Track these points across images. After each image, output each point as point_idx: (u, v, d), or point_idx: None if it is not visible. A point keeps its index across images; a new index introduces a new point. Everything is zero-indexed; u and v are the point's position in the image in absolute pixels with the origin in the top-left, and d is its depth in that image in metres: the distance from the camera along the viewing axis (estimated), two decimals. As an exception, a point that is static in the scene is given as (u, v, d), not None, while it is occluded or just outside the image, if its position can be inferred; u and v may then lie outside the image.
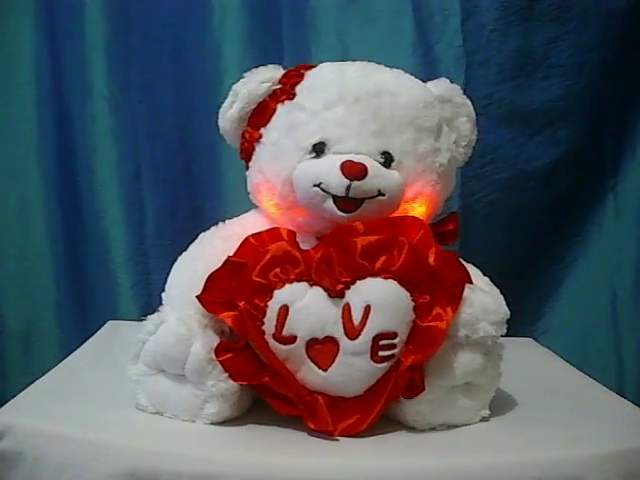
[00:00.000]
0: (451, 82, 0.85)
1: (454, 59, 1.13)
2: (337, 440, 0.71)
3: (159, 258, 1.21)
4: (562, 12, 1.12)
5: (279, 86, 0.82)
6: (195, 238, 0.85)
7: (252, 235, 0.76)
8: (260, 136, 0.82)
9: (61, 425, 0.71)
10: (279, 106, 0.81)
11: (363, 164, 0.74)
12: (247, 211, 0.89)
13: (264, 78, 0.82)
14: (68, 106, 1.23)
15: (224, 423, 0.74)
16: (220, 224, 0.86)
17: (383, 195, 0.75)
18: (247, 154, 0.84)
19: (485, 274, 0.82)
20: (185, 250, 0.84)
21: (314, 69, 0.83)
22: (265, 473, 0.66)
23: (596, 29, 1.12)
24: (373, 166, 0.75)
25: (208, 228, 0.86)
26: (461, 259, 0.77)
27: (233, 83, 1.17)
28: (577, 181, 1.18)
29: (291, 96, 0.81)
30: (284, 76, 0.82)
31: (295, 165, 0.77)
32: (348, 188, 0.73)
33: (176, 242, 1.17)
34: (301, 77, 0.82)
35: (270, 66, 0.84)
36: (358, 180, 0.73)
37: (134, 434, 0.71)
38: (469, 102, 0.85)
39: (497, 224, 1.18)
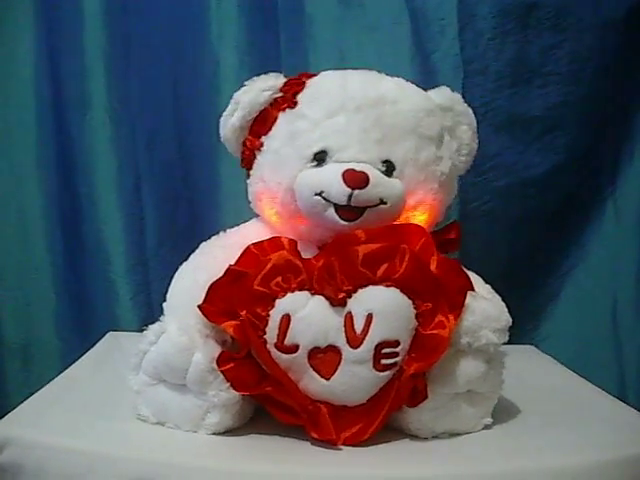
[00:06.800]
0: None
1: (452, 68, 1.14)
2: (340, 449, 0.71)
3: (159, 268, 1.20)
4: (559, 20, 1.12)
5: (280, 94, 0.82)
6: (195, 248, 0.85)
7: (253, 244, 0.76)
8: (261, 144, 0.82)
9: (62, 437, 0.71)
10: (280, 114, 0.81)
11: (365, 173, 0.74)
12: (246, 220, 0.90)
13: (265, 86, 0.82)
14: (68, 117, 1.23)
15: (226, 433, 0.74)
16: (221, 233, 0.86)
17: (385, 204, 0.75)
18: (248, 162, 0.85)
19: (485, 280, 0.82)
20: (186, 260, 0.84)
21: (315, 77, 0.83)
22: (268, 483, 0.66)
23: (593, 37, 1.12)
24: (375, 175, 0.75)
25: (208, 238, 0.86)
26: (462, 266, 0.77)
27: (231, 93, 1.17)
28: (576, 188, 1.18)
29: (292, 104, 0.81)
30: (285, 84, 0.83)
31: (297, 174, 0.78)
32: (350, 197, 0.73)
33: (176, 252, 1.17)
34: (302, 85, 0.82)
35: (271, 74, 0.84)
36: (360, 189, 0.73)
37: (135, 445, 0.71)
38: (470, 110, 0.86)
39: (496, 231, 1.18)
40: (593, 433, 0.75)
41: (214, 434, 0.74)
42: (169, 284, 0.82)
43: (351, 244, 0.73)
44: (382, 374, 0.71)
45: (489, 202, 1.16)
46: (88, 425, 0.74)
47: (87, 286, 1.26)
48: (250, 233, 0.82)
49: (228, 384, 0.71)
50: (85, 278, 1.26)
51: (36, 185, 1.25)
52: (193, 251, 0.85)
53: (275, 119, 0.82)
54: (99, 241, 1.24)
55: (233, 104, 0.84)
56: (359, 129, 0.78)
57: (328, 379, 0.71)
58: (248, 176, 0.86)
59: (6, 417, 0.75)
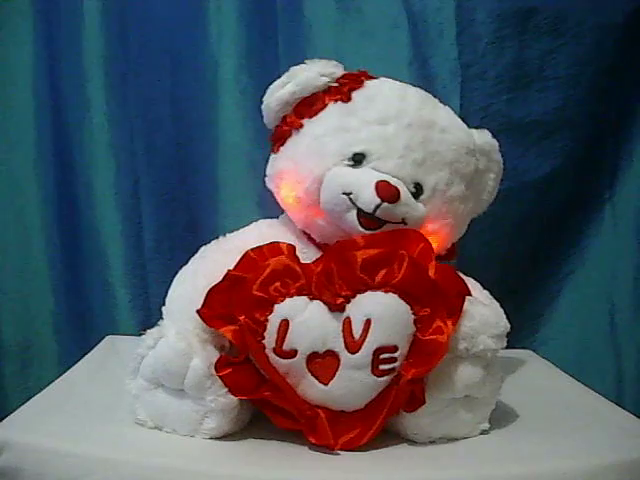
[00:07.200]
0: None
1: (450, 72, 1.13)
2: (338, 454, 0.71)
3: (157, 272, 1.20)
4: (557, 24, 1.12)
5: (336, 84, 0.82)
6: (193, 252, 0.85)
7: (252, 249, 0.76)
8: (301, 125, 0.82)
9: (60, 440, 0.71)
10: (331, 104, 0.81)
11: (398, 189, 0.75)
12: (245, 224, 0.89)
13: (325, 72, 0.82)
14: (66, 120, 1.22)
15: (223, 438, 0.74)
16: (220, 238, 0.86)
17: (405, 224, 0.76)
18: (280, 138, 0.84)
19: (483, 285, 0.83)
20: (184, 264, 0.84)
21: (375, 80, 0.83)
22: (266, 488, 0.66)
23: (592, 41, 1.12)
24: (405, 193, 0.76)
25: (206, 242, 0.86)
26: (460, 271, 0.77)
27: (231, 96, 1.18)
28: (575, 192, 1.18)
29: (346, 99, 0.81)
30: (343, 77, 0.83)
31: (331, 167, 0.78)
32: (377, 207, 0.74)
33: (174, 256, 1.18)
34: (361, 84, 0.82)
35: (333, 62, 0.84)
36: (389, 203, 0.74)
37: (133, 449, 0.71)
38: (502, 161, 0.89)
39: (495, 236, 1.18)
40: (591, 438, 0.75)
41: (212, 439, 0.74)
42: (167, 288, 0.82)
43: (350, 249, 0.73)
44: (380, 379, 0.71)
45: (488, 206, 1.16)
46: (86, 429, 0.74)
47: (85, 290, 1.26)
48: (250, 238, 0.82)
49: (226, 389, 0.71)
50: (83, 282, 1.26)
51: (34, 188, 1.25)
52: (191, 254, 0.85)
53: (324, 106, 0.81)
54: (97, 244, 1.23)
55: (287, 77, 0.83)
56: (403, 145, 0.78)
57: (326, 384, 0.71)
58: (274, 151, 0.85)
59: (4, 420, 0.75)
